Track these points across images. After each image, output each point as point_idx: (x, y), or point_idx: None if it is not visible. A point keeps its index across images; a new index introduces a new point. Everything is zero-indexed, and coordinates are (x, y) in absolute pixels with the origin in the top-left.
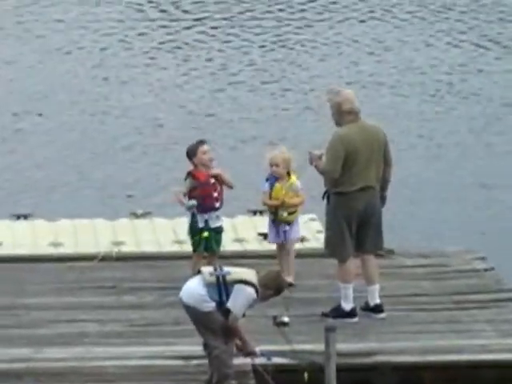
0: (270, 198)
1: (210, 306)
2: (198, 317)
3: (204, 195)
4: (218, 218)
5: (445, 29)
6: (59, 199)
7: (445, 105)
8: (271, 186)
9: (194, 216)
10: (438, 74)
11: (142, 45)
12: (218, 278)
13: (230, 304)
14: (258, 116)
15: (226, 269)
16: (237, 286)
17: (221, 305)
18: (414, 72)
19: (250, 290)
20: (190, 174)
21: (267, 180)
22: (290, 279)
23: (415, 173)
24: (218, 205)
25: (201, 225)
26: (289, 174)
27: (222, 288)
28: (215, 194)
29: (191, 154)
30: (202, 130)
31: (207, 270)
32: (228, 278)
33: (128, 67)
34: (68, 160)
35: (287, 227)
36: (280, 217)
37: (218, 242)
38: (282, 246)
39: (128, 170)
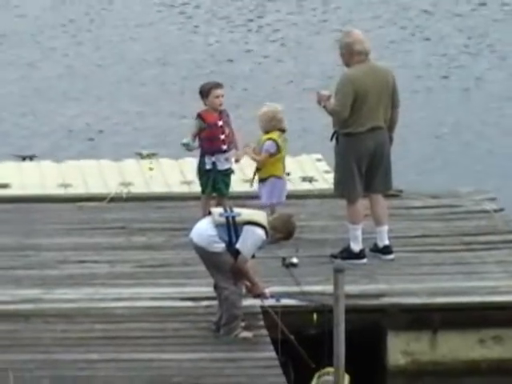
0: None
1: (220, 246)
2: (207, 257)
3: (211, 137)
4: (226, 160)
5: None
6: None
7: None
8: None
9: (201, 157)
10: None
11: None
12: (227, 218)
13: (239, 245)
14: None
15: (235, 210)
16: (246, 227)
17: (230, 245)
18: None
19: (260, 232)
20: (199, 116)
21: None
22: None
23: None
24: (225, 147)
25: (208, 167)
26: (268, 132)
27: (231, 229)
28: (222, 137)
29: (204, 93)
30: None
31: (217, 211)
32: (238, 219)
33: None
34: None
35: (256, 185)
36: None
37: (227, 184)
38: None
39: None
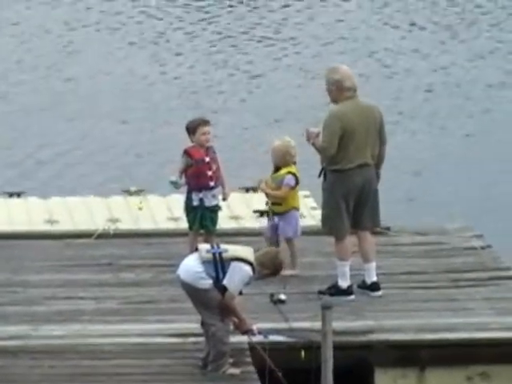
0: None
1: (207, 283)
2: (194, 294)
3: (198, 173)
4: (213, 196)
5: None
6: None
7: None
8: None
9: (188, 193)
10: None
11: None
12: (214, 255)
13: (226, 281)
14: None
15: (222, 246)
16: (233, 264)
17: (217, 282)
18: None
19: (247, 268)
20: (185, 152)
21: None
22: (292, 271)
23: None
24: (212, 184)
25: (195, 203)
26: (279, 168)
27: (218, 265)
28: (209, 173)
29: (191, 130)
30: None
31: (204, 247)
32: (225, 255)
33: None
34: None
35: (276, 219)
36: (267, 205)
37: (214, 220)
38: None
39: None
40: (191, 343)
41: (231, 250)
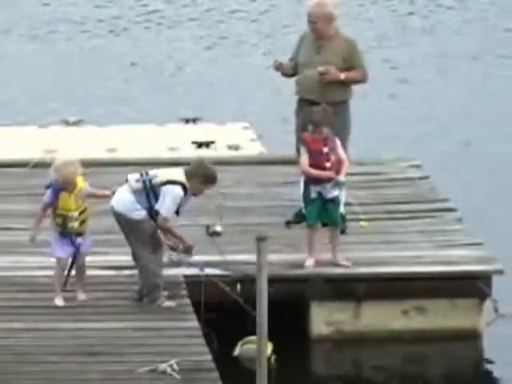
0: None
1: (141, 213)
2: (128, 225)
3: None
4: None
5: None
6: None
7: None
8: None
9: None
10: None
11: None
12: (144, 183)
13: (157, 206)
14: None
15: (151, 173)
16: (164, 188)
17: (151, 210)
18: None
19: (177, 189)
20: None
21: None
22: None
23: None
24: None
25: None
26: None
27: (150, 193)
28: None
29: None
30: None
31: (133, 177)
32: (154, 181)
33: None
34: None
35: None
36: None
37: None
38: None
39: None
40: (126, 276)
41: (160, 174)
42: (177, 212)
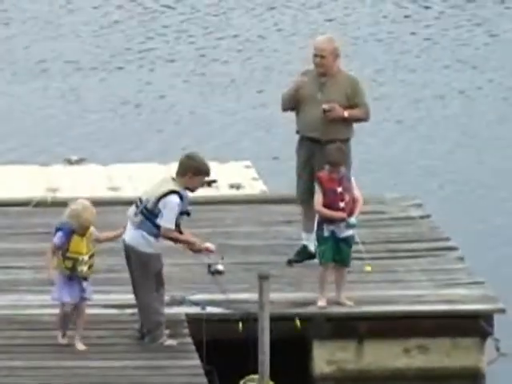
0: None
1: (152, 248)
2: (137, 258)
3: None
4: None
5: None
6: None
7: None
8: None
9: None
10: None
11: None
12: (142, 213)
13: (157, 221)
14: None
15: (143, 198)
16: (160, 204)
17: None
18: None
19: (172, 199)
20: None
21: None
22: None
23: None
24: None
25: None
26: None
27: (151, 217)
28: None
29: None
30: None
31: (131, 212)
32: (149, 206)
33: None
34: None
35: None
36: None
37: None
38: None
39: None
40: (128, 314)
41: (151, 195)
42: (181, 213)
